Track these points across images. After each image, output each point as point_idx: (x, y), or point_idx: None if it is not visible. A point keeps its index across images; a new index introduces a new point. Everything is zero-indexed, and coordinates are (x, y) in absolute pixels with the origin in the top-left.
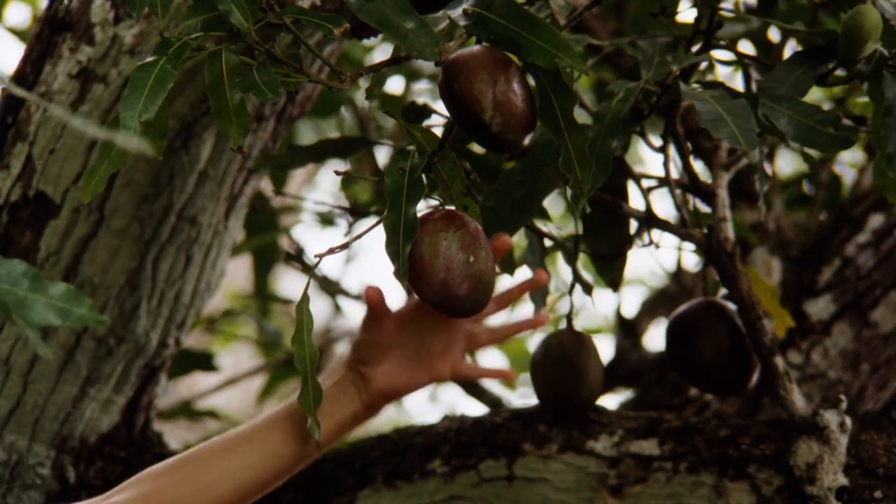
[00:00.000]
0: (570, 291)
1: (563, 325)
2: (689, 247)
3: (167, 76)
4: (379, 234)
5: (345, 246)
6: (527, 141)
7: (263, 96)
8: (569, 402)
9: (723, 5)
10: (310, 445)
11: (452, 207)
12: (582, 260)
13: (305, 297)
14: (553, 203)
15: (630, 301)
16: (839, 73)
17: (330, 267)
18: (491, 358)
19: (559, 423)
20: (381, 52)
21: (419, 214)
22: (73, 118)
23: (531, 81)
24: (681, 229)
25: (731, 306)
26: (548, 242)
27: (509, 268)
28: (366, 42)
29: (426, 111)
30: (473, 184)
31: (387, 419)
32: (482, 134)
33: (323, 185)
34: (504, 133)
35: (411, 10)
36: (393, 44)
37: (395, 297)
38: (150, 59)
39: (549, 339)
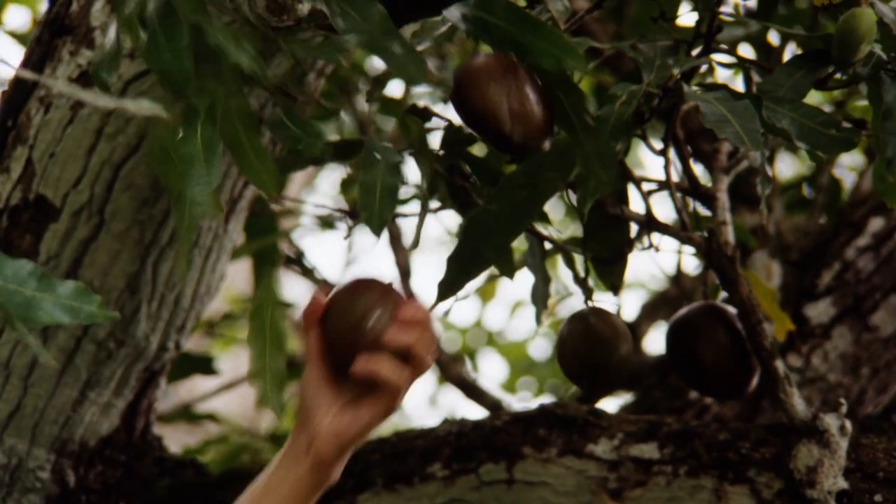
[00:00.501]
0: (584, 281)
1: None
2: (689, 250)
3: (214, 143)
4: (378, 240)
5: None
6: (547, 144)
7: (310, 151)
8: (598, 371)
9: (722, 9)
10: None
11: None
12: (582, 263)
13: (272, 274)
14: (553, 207)
15: (630, 305)
16: (839, 76)
17: (330, 270)
18: (490, 361)
19: (595, 392)
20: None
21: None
22: (82, 91)
23: None
24: (681, 233)
25: (732, 310)
26: (548, 246)
27: (509, 271)
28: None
29: (427, 114)
30: (474, 187)
31: (387, 423)
32: (505, 145)
33: (322, 188)
34: (527, 141)
35: (397, 33)
36: None
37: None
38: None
39: (573, 318)
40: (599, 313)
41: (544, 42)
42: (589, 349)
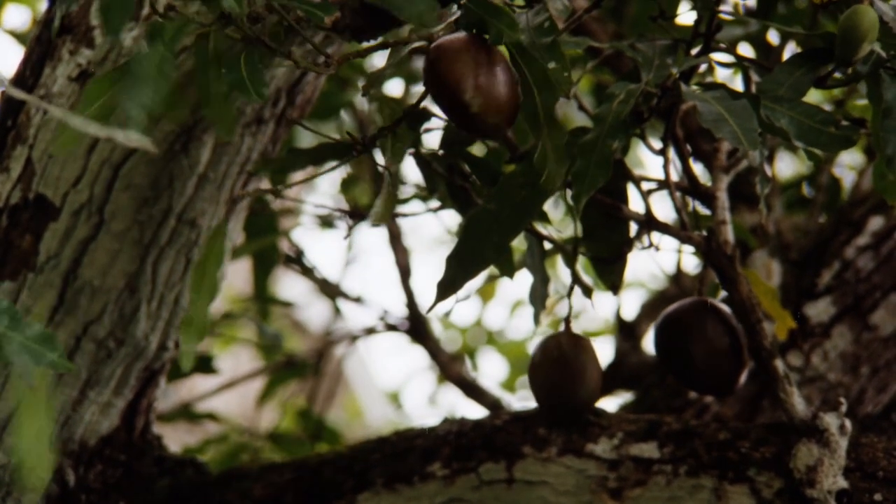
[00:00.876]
0: (570, 294)
1: (562, 327)
2: (688, 249)
3: (168, 64)
4: (378, 239)
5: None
6: (508, 129)
7: (248, 96)
8: (566, 403)
9: (722, 8)
10: None
11: None
12: (582, 263)
13: (221, 229)
14: (552, 206)
15: (630, 304)
16: (838, 75)
17: (330, 270)
18: (489, 361)
19: (557, 425)
20: (380, 56)
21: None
22: (72, 116)
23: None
24: (680, 232)
25: (723, 306)
26: (547, 245)
27: (509, 271)
28: (365, 44)
29: (426, 114)
30: (473, 186)
31: (387, 422)
32: (462, 115)
33: (322, 187)
34: (484, 115)
35: None
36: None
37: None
38: (146, 47)
39: (547, 342)
40: (572, 340)
41: (501, 22)
42: (556, 379)
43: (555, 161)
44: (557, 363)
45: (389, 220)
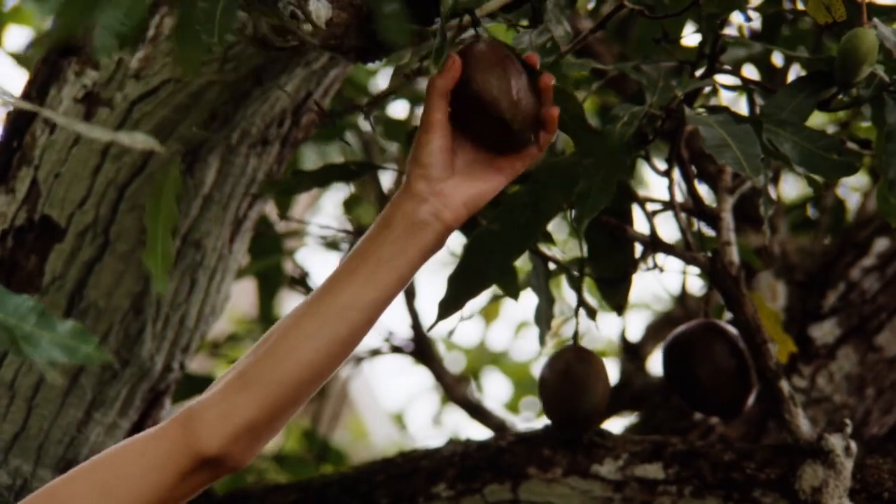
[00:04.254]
0: (576, 313)
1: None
2: (693, 271)
3: None
4: None
5: None
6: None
7: (210, 34)
8: (573, 415)
9: (726, 30)
10: (390, 284)
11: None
12: (586, 284)
13: (175, 162)
14: (557, 227)
15: (634, 325)
16: (842, 97)
17: None
18: (494, 382)
19: (565, 437)
20: (384, 75)
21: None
22: (78, 123)
23: None
24: (685, 253)
25: (730, 328)
26: (552, 266)
27: (513, 292)
28: (370, 66)
29: None
30: None
31: (391, 443)
32: (499, 133)
33: (327, 208)
34: (522, 131)
35: None
36: (394, 67)
37: None
38: None
39: (555, 357)
40: (580, 354)
41: None
42: (564, 392)
43: (606, 172)
44: (562, 376)
45: None
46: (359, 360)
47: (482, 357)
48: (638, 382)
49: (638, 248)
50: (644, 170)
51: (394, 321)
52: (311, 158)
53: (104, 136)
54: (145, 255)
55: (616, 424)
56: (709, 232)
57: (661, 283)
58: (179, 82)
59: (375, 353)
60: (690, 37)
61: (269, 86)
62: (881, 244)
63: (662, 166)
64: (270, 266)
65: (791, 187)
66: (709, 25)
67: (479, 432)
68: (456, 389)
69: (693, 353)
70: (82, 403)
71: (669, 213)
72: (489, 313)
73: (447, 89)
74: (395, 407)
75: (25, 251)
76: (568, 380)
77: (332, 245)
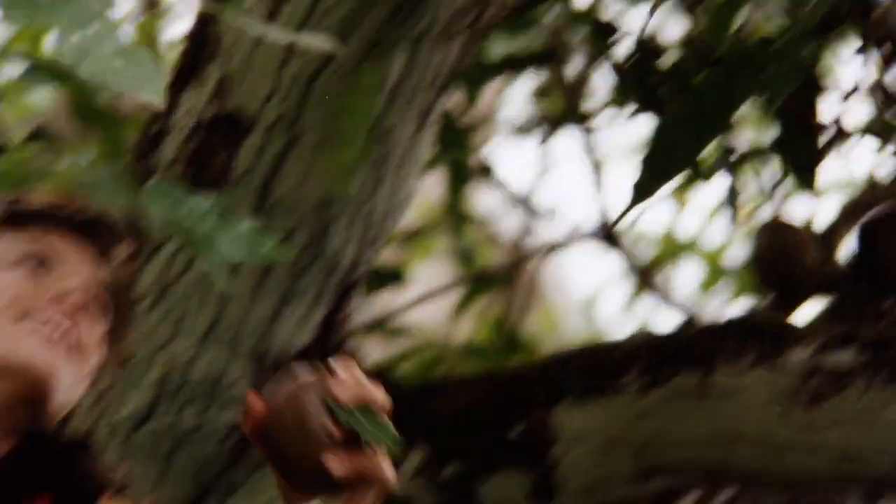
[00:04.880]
0: (771, 194)
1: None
2: (885, 155)
3: None
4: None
5: None
6: None
7: None
8: (789, 277)
9: None
10: None
11: None
12: (777, 167)
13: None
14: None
15: (825, 211)
16: None
17: (521, 181)
18: (685, 270)
19: (786, 299)
20: None
21: None
22: (262, 26)
23: None
24: (878, 135)
25: None
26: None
27: (705, 175)
28: None
29: (612, 28)
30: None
31: (581, 333)
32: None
33: (516, 98)
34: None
35: None
36: None
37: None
38: None
39: (764, 227)
40: (786, 224)
41: None
42: (776, 258)
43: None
44: (774, 243)
45: None
46: (549, 249)
47: (672, 245)
48: (828, 268)
49: (828, 133)
50: (834, 54)
51: (583, 210)
52: (497, 49)
53: (284, 38)
54: (337, 154)
55: (805, 312)
56: None
57: (851, 167)
58: None
59: (566, 242)
60: None
61: None
62: None
63: (852, 50)
64: (459, 158)
65: None
66: None
67: (670, 321)
68: (647, 277)
69: (882, 236)
70: (274, 297)
71: (861, 96)
72: (679, 199)
73: (257, 434)
74: (585, 296)
75: (215, 146)
76: (781, 242)
77: (523, 131)
